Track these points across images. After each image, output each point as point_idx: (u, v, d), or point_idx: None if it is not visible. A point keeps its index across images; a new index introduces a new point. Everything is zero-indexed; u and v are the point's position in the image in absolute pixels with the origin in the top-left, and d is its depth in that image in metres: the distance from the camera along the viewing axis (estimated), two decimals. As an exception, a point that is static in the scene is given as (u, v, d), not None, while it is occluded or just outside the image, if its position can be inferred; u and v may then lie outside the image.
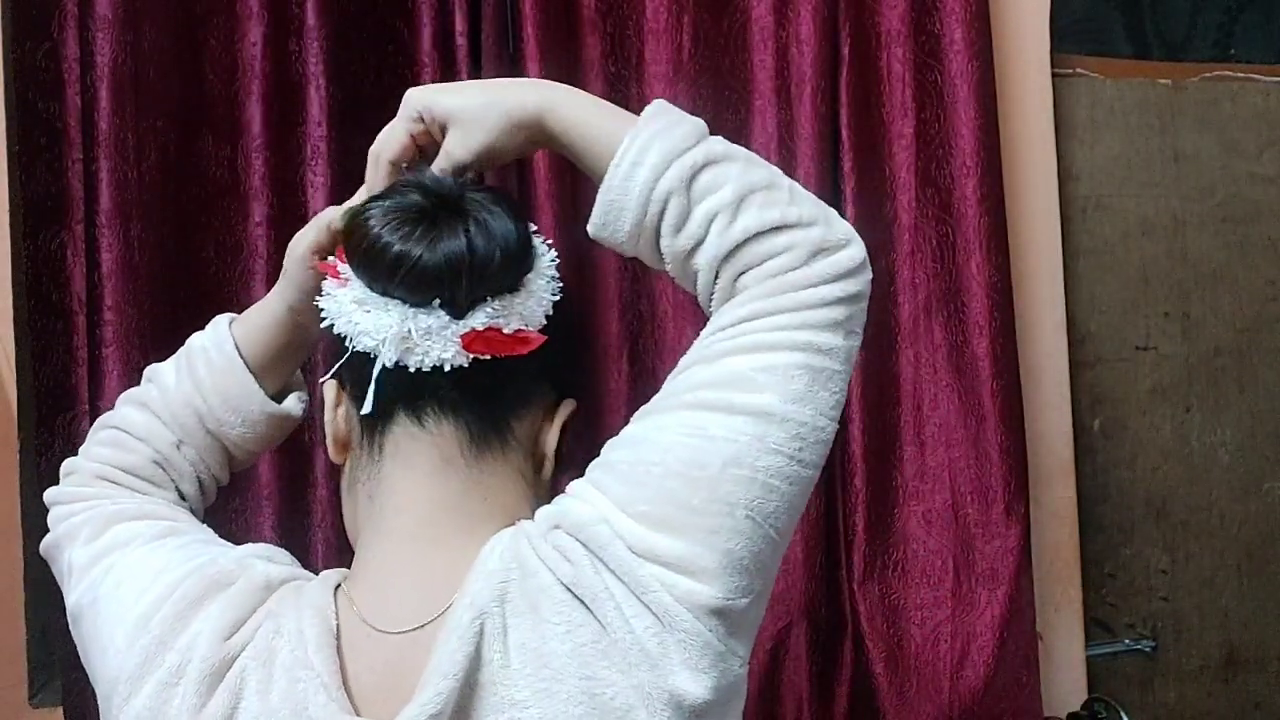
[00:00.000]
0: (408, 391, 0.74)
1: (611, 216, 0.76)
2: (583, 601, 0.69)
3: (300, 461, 1.33)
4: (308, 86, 1.32)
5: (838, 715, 1.44)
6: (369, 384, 0.73)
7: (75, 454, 1.30)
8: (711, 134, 0.78)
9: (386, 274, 0.72)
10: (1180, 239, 1.70)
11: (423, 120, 0.79)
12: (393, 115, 0.81)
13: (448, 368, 0.73)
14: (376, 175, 0.81)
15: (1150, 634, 1.68)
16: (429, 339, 0.72)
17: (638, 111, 0.79)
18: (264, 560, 0.77)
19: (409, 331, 0.72)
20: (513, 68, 1.39)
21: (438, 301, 0.72)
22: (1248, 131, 1.73)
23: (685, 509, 0.70)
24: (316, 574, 0.78)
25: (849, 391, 1.43)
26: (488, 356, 0.73)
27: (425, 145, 0.81)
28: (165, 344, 1.26)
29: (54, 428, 1.33)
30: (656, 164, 0.74)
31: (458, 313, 0.72)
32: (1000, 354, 1.45)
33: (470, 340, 0.72)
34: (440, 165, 0.78)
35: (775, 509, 0.72)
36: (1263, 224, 1.74)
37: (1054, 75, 1.59)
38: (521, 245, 0.75)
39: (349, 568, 0.78)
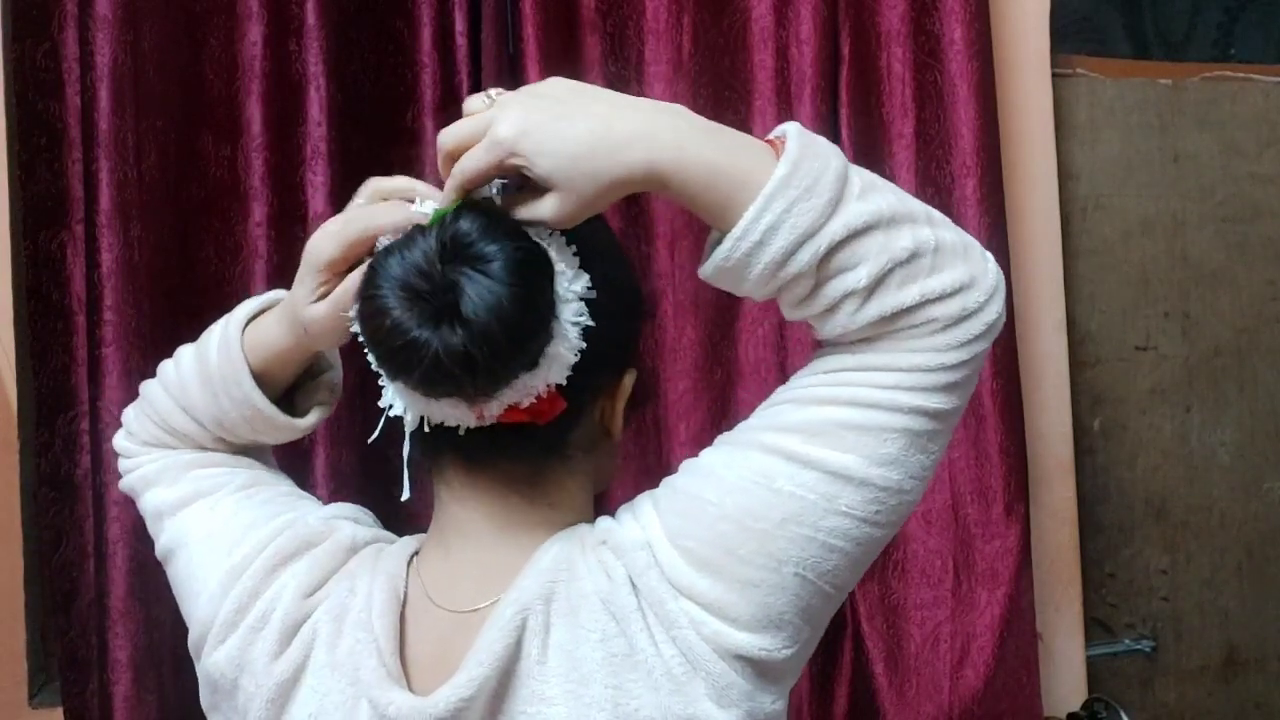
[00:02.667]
0: (455, 438, 0.72)
1: (728, 279, 0.70)
2: (615, 618, 0.69)
3: (300, 461, 1.33)
4: (308, 86, 1.32)
5: (838, 715, 1.44)
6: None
7: (75, 454, 1.32)
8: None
9: (394, 369, 0.68)
10: (1180, 239, 1.70)
11: (505, 161, 0.68)
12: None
13: (463, 431, 0.71)
14: (449, 196, 0.71)
15: (1150, 634, 1.68)
16: (448, 418, 0.71)
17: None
18: (351, 522, 0.81)
19: (427, 414, 0.71)
20: (512, 67, 1.39)
21: (448, 396, 0.69)
22: (1248, 131, 1.73)
23: (731, 556, 0.68)
24: None
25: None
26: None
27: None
28: (165, 344, 1.26)
29: (54, 428, 1.33)
30: (785, 246, 0.66)
31: (472, 402, 0.69)
32: (1000, 354, 1.45)
33: (487, 419, 0.70)
34: (524, 217, 0.69)
35: (834, 567, 0.69)
36: (1263, 224, 1.73)
37: (1054, 75, 1.59)
38: (534, 325, 0.67)
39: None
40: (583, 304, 0.70)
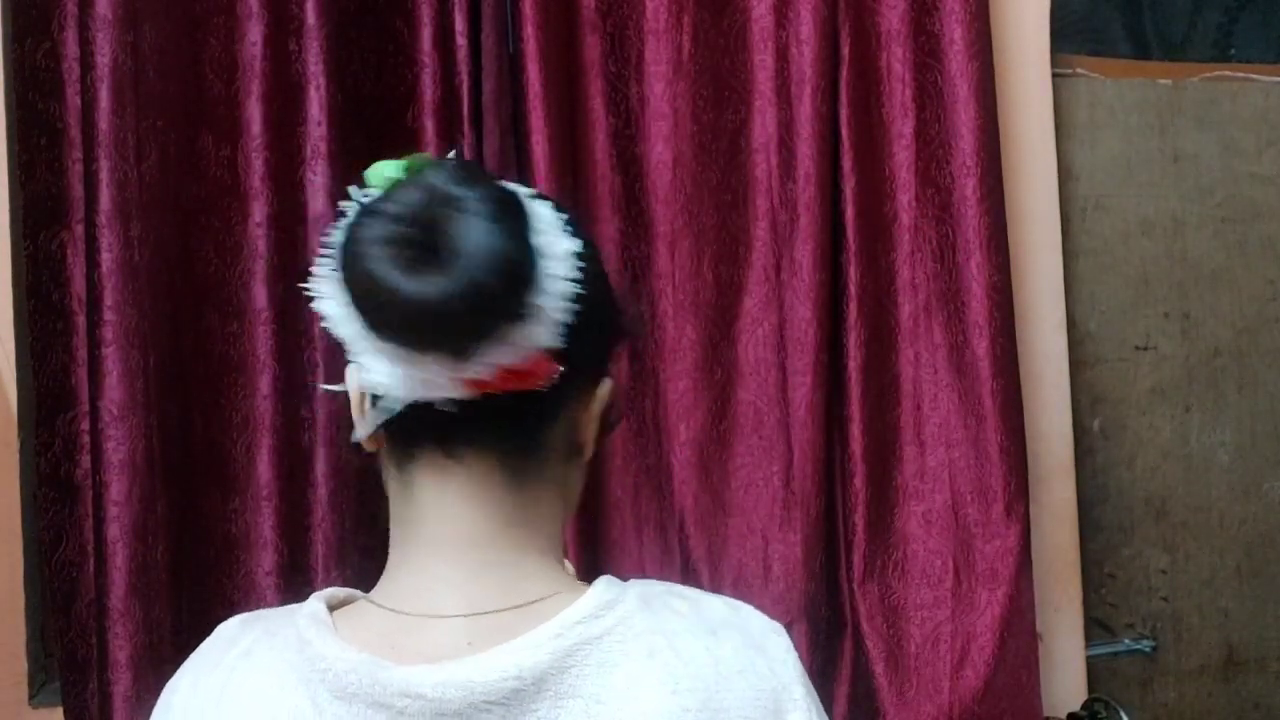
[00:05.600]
0: (433, 422, 0.69)
1: None
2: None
3: (300, 461, 1.33)
4: (308, 86, 1.32)
5: (838, 715, 1.44)
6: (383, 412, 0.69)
7: (75, 454, 1.32)
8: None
9: (381, 325, 0.65)
10: (1180, 239, 1.70)
11: None
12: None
13: (445, 402, 0.67)
14: None
15: (1150, 634, 1.68)
16: (431, 385, 0.67)
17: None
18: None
19: (408, 378, 0.67)
20: (512, 67, 1.39)
21: (436, 349, 0.66)
22: (1248, 131, 1.73)
23: None
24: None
25: (849, 391, 1.46)
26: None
27: None
28: (165, 344, 1.27)
29: (54, 428, 1.33)
30: None
31: (458, 359, 0.66)
32: (1000, 354, 1.45)
33: (474, 383, 0.67)
34: None
35: None
36: (1263, 224, 1.74)
37: (1054, 75, 1.59)
38: (520, 272, 0.66)
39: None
40: (572, 262, 0.68)
